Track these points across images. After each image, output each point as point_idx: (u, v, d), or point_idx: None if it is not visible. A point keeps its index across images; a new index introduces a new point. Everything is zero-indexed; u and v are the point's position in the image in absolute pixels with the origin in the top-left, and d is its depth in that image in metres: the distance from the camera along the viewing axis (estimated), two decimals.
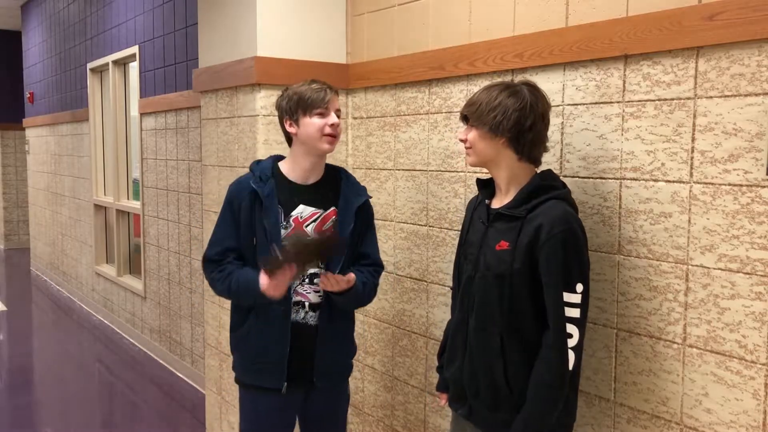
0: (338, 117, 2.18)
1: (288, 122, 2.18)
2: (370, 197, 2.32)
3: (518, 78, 2.26)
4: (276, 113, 2.28)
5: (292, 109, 2.16)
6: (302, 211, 2.20)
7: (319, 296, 2.23)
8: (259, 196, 2.16)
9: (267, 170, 2.21)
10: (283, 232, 2.17)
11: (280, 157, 2.32)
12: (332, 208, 2.24)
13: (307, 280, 2.23)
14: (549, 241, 1.72)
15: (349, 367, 2.40)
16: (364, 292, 2.24)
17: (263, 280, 2.06)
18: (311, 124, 2.14)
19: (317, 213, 2.22)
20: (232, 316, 2.31)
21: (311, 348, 2.23)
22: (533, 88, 1.85)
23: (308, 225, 2.21)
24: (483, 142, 1.84)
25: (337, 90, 2.23)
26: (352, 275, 2.15)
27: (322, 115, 2.14)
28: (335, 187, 2.26)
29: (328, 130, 2.14)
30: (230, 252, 2.21)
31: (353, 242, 2.26)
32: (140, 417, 4.11)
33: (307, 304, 2.23)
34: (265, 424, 2.29)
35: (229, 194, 2.23)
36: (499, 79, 2.25)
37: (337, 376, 2.36)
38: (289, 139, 2.25)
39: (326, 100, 2.14)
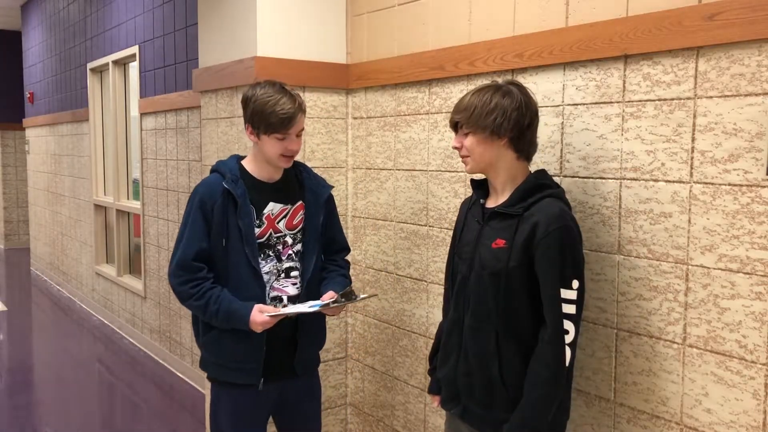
0: (299, 136, 2.19)
1: (249, 128, 2.19)
2: (332, 187, 2.41)
3: (518, 78, 2.26)
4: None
5: (255, 122, 2.15)
6: (272, 208, 2.25)
7: (297, 288, 2.28)
8: (231, 197, 2.17)
9: (235, 170, 2.22)
10: (257, 230, 2.21)
11: (242, 156, 2.33)
12: (299, 203, 2.30)
13: (283, 275, 2.27)
14: (545, 238, 1.73)
15: (319, 357, 2.48)
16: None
17: (257, 317, 2.10)
18: (271, 145, 2.16)
19: (286, 209, 2.28)
20: (198, 318, 2.27)
21: (292, 340, 2.26)
22: (521, 88, 1.85)
23: (279, 221, 2.26)
24: (482, 146, 1.83)
25: (305, 108, 2.20)
26: (331, 292, 2.21)
27: (283, 139, 2.15)
28: (298, 181, 2.34)
29: (286, 153, 2.18)
30: (202, 255, 2.17)
31: (323, 230, 2.36)
32: (140, 417, 4.11)
33: (285, 297, 2.27)
34: (246, 416, 2.29)
35: (200, 196, 2.18)
36: (499, 80, 2.25)
37: (313, 366, 2.43)
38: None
39: (290, 127, 2.13)
